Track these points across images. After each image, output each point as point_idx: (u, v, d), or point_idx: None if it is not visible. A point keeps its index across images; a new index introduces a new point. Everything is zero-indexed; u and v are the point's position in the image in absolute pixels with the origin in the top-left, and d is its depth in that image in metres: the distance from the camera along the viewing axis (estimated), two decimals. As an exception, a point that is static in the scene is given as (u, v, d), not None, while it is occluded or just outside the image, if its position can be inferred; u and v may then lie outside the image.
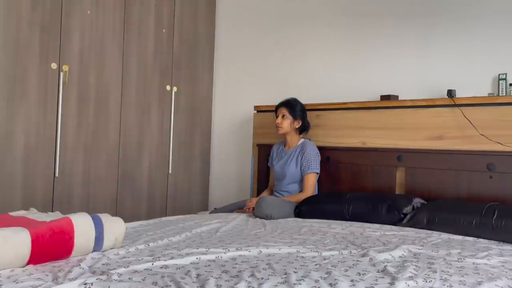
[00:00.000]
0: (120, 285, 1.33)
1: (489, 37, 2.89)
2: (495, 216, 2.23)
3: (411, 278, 1.46)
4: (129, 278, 1.41)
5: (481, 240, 2.17)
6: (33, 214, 1.77)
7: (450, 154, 2.77)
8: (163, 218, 2.62)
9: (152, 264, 1.56)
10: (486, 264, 1.71)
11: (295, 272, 1.51)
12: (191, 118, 3.92)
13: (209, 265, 1.59)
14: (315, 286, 1.37)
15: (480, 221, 2.25)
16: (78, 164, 3.14)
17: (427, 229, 2.37)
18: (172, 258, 1.65)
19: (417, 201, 2.64)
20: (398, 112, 3.00)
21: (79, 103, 3.13)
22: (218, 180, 4.11)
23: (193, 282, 1.39)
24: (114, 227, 1.75)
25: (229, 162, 4.06)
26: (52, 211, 2.83)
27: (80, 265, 1.52)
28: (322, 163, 3.15)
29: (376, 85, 3.26)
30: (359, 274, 1.51)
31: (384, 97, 3.10)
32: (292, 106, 3.16)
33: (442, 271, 1.57)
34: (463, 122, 2.74)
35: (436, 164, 2.81)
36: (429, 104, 2.89)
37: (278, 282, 1.39)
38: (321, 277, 1.46)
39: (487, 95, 2.82)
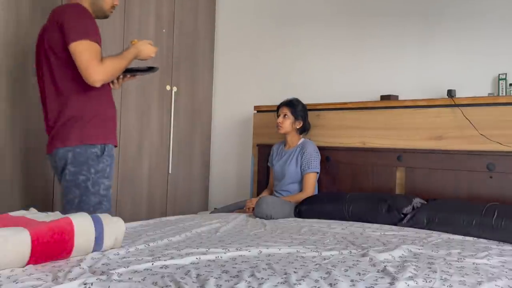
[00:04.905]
0: (120, 285, 1.33)
1: (489, 37, 2.89)
2: (495, 216, 2.23)
3: (411, 278, 1.46)
4: (129, 278, 1.41)
5: (481, 240, 2.17)
6: (33, 214, 1.76)
7: (450, 154, 2.77)
8: (163, 218, 2.62)
9: (152, 264, 1.56)
10: (486, 264, 1.71)
11: (295, 272, 1.51)
12: (191, 118, 3.92)
13: (209, 265, 1.59)
14: (315, 286, 1.37)
15: (480, 221, 2.25)
16: (78, 164, 3.13)
17: (427, 229, 2.37)
18: (172, 258, 1.65)
19: (417, 201, 2.65)
20: (398, 112, 3.00)
21: (79, 103, 3.13)
22: (218, 180, 4.11)
23: (193, 282, 1.38)
24: (114, 227, 1.75)
25: (229, 162, 4.06)
26: (52, 211, 2.82)
27: (80, 265, 1.51)
28: (322, 163, 3.15)
29: (376, 85, 3.26)
30: (359, 274, 1.51)
31: (384, 97, 3.11)
32: (294, 106, 3.17)
33: (442, 271, 1.56)
34: (463, 122, 2.74)
35: (436, 164, 2.81)
36: (429, 104, 2.89)
37: (278, 282, 1.39)
38: (321, 277, 1.46)
39: (487, 95, 2.82)
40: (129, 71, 2.46)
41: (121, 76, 2.49)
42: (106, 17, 2.46)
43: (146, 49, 2.35)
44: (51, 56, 2.23)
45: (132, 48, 2.32)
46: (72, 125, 2.21)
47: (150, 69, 2.49)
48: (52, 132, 2.26)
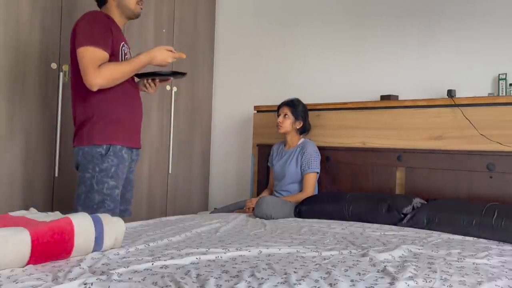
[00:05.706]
0: (120, 285, 1.33)
1: (489, 37, 2.89)
2: (495, 216, 2.23)
3: (411, 278, 1.46)
4: (129, 278, 1.41)
5: (481, 240, 2.17)
6: (33, 214, 1.76)
7: (450, 154, 2.77)
8: (163, 218, 2.62)
9: (152, 264, 1.56)
10: (486, 264, 1.71)
11: (295, 272, 1.51)
12: (191, 118, 3.92)
13: (209, 265, 1.59)
14: (315, 286, 1.37)
15: (480, 221, 2.25)
16: (78, 164, 3.13)
17: (427, 229, 2.37)
18: (172, 258, 1.65)
19: (417, 201, 2.65)
20: (398, 112, 3.01)
21: (79, 103, 3.13)
22: (218, 180, 4.11)
23: (193, 282, 1.38)
24: (114, 227, 1.75)
25: (229, 162, 4.06)
26: (52, 211, 2.82)
27: (80, 265, 1.51)
28: (322, 163, 3.15)
29: (376, 85, 3.26)
30: (359, 274, 1.51)
31: (384, 97, 3.11)
32: (295, 106, 3.17)
33: (442, 271, 1.56)
34: (463, 122, 2.74)
35: (436, 164, 2.81)
36: (429, 104, 2.89)
37: (278, 282, 1.39)
38: (321, 277, 1.46)
39: (487, 95, 2.82)
40: (153, 75, 2.50)
41: (150, 80, 2.55)
42: (137, 15, 2.49)
43: (161, 55, 2.36)
44: (70, 60, 2.39)
45: (144, 54, 2.34)
46: (84, 126, 2.34)
47: (175, 73, 2.51)
48: (74, 131, 2.41)
